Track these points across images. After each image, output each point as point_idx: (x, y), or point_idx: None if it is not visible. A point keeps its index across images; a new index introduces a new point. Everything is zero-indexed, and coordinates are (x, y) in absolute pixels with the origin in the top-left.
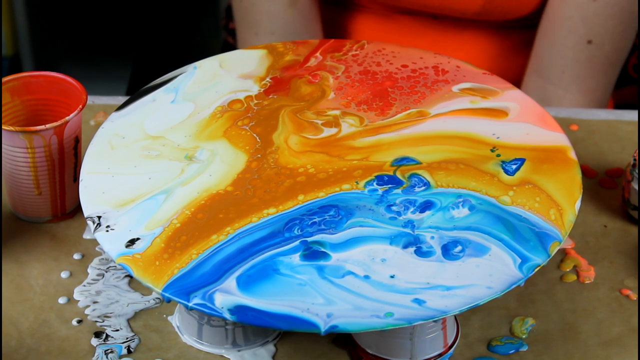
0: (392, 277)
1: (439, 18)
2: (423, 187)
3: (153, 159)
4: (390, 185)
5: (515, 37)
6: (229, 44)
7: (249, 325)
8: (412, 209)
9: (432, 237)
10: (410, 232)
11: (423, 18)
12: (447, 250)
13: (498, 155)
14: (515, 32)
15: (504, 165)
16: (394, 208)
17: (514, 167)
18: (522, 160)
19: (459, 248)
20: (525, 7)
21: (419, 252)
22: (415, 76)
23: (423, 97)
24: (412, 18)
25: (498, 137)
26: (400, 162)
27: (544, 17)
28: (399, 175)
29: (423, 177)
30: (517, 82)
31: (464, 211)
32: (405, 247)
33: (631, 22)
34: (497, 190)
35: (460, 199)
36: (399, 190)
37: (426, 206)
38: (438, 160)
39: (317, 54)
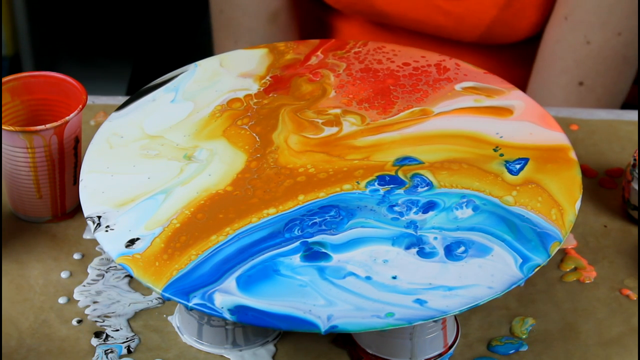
0: (394, 278)
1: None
2: (426, 188)
3: (152, 158)
4: (392, 186)
5: (512, 52)
6: None
7: (249, 325)
8: (414, 210)
9: (435, 238)
10: (413, 232)
11: (421, 34)
12: (450, 251)
13: (501, 155)
14: (513, 48)
15: (507, 164)
16: (396, 209)
17: (517, 166)
18: (526, 160)
19: (462, 249)
20: (522, 34)
21: (422, 253)
22: (417, 74)
23: (426, 95)
24: (408, 32)
25: (501, 137)
26: (403, 161)
27: (539, 55)
28: (401, 175)
29: (426, 177)
30: None
31: (468, 212)
32: (407, 248)
33: (625, 68)
34: (500, 190)
35: (464, 199)
36: (401, 191)
37: (429, 207)
38: (441, 160)
39: (318, 53)
